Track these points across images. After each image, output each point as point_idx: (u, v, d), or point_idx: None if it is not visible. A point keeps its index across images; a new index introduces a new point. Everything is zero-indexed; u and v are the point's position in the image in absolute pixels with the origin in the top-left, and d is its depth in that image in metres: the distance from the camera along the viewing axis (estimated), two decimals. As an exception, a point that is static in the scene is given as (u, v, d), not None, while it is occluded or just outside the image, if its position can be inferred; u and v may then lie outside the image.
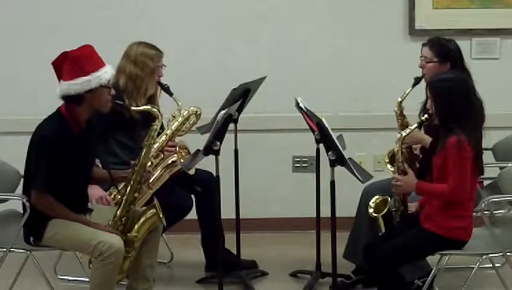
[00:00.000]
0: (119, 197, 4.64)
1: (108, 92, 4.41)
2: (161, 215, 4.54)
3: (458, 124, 4.23)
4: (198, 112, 5.12)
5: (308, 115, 4.96)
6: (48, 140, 4.31)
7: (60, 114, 4.39)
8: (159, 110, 4.58)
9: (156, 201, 4.60)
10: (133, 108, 4.65)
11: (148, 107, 4.61)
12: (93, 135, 4.52)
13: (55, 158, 4.29)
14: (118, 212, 4.50)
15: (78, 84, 4.30)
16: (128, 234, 4.48)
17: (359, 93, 6.22)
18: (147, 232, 4.54)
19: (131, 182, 4.50)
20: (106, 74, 4.36)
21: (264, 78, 5.35)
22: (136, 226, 4.50)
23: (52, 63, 4.38)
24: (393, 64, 6.03)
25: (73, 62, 4.32)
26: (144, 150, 4.50)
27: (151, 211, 4.55)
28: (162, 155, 5.02)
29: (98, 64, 4.36)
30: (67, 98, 4.35)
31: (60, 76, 4.36)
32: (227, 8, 6.19)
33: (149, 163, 4.83)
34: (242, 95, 5.19)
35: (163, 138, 5.03)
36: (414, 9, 6.14)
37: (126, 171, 4.59)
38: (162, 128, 4.87)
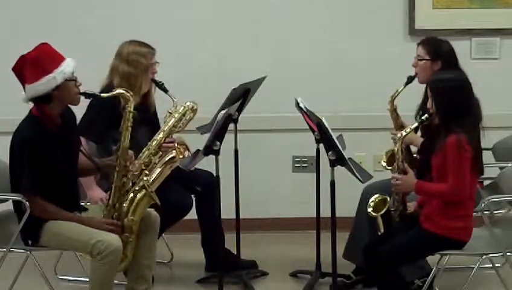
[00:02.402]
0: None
1: (74, 84, 4.39)
2: (152, 195, 4.55)
3: (458, 123, 4.23)
4: (195, 107, 5.10)
5: (308, 115, 4.96)
6: (26, 142, 4.30)
7: (32, 116, 4.39)
8: (129, 92, 4.54)
9: (145, 181, 4.59)
10: (103, 95, 4.59)
11: (118, 91, 4.56)
12: (72, 128, 4.51)
13: (37, 159, 4.29)
14: (110, 200, 4.51)
15: (44, 84, 4.30)
16: (125, 219, 4.49)
17: (359, 93, 6.22)
18: (143, 214, 4.55)
19: (117, 168, 4.50)
20: (68, 66, 4.34)
21: (264, 78, 5.36)
22: (130, 210, 4.52)
23: (13, 69, 4.38)
24: (393, 64, 6.02)
25: (34, 64, 4.31)
26: (123, 134, 4.49)
27: (142, 192, 4.56)
28: (161, 152, 5.02)
29: (58, 59, 4.35)
30: (35, 99, 4.35)
31: (24, 80, 4.35)
32: (227, 8, 6.20)
33: (144, 156, 4.84)
34: (242, 95, 5.19)
35: (160, 135, 5.02)
36: (414, 9, 6.15)
37: (110, 158, 4.60)
38: (151, 120, 4.83)
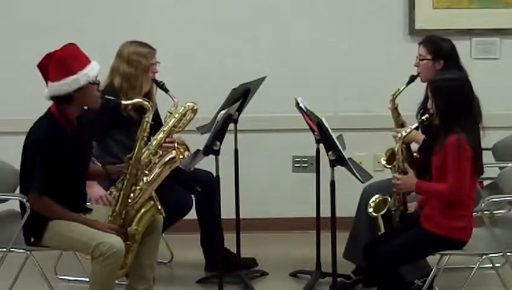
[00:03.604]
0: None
1: (97, 88, 4.42)
2: (159, 207, 4.56)
3: (458, 123, 4.23)
4: (195, 108, 5.10)
5: (308, 115, 4.96)
6: (42, 142, 4.31)
7: (51, 115, 4.39)
8: (149, 103, 4.58)
9: (153, 193, 4.60)
10: (123, 102, 4.64)
11: (139, 100, 4.61)
12: (86, 131, 4.52)
13: (50, 159, 4.30)
14: (117, 207, 4.52)
15: (67, 84, 4.31)
16: (129, 228, 4.50)
17: (359, 93, 6.22)
18: (147, 224, 4.56)
19: (127, 176, 4.51)
20: (93, 70, 4.36)
21: (264, 78, 5.35)
22: (135, 220, 4.52)
23: (38, 65, 4.38)
24: (394, 64, 6.02)
25: (59, 63, 4.32)
26: (137, 143, 4.51)
27: (149, 203, 4.57)
28: (161, 152, 5.02)
29: (84, 62, 4.36)
30: (56, 98, 4.36)
31: (47, 77, 4.36)
32: (227, 8, 6.20)
33: (143, 156, 4.86)
34: (242, 95, 5.19)
35: (160, 135, 5.03)
36: (414, 9, 6.15)
37: (120, 165, 4.61)
38: (153, 120, 4.85)
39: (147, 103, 4.57)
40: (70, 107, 4.38)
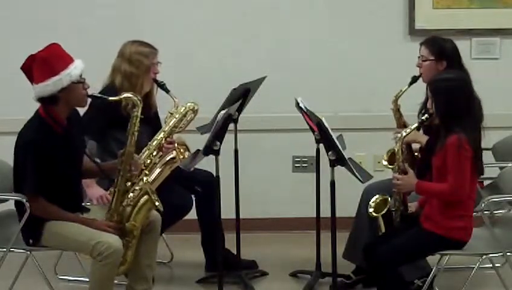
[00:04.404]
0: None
1: (82, 86, 4.39)
2: (155, 201, 4.53)
3: (458, 123, 4.23)
4: (196, 108, 5.12)
5: (308, 115, 4.96)
6: (33, 144, 4.30)
7: (39, 116, 4.38)
8: (138, 97, 4.55)
9: (148, 187, 4.60)
10: (110, 98, 4.60)
11: (127, 95, 4.56)
12: (77, 130, 4.51)
13: (42, 161, 4.29)
14: (113, 203, 4.51)
15: (50, 85, 4.29)
16: (126, 224, 4.49)
17: (359, 93, 6.22)
18: (145, 219, 4.55)
19: (121, 172, 4.50)
20: (76, 69, 4.33)
21: (264, 78, 5.36)
22: (132, 215, 4.51)
23: (21, 68, 4.37)
24: (393, 64, 6.03)
25: (42, 64, 4.30)
26: (129, 138, 4.49)
27: (144, 197, 4.55)
28: (161, 153, 5.02)
29: (66, 61, 4.34)
30: (42, 100, 4.35)
31: (32, 79, 4.34)
32: (227, 8, 6.20)
33: (144, 156, 4.85)
34: (242, 95, 5.19)
35: (161, 135, 5.04)
36: (414, 9, 6.15)
37: (114, 161, 4.60)
38: (153, 122, 4.85)
39: (135, 98, 4.53)
40: (57, 108, 4.36)
